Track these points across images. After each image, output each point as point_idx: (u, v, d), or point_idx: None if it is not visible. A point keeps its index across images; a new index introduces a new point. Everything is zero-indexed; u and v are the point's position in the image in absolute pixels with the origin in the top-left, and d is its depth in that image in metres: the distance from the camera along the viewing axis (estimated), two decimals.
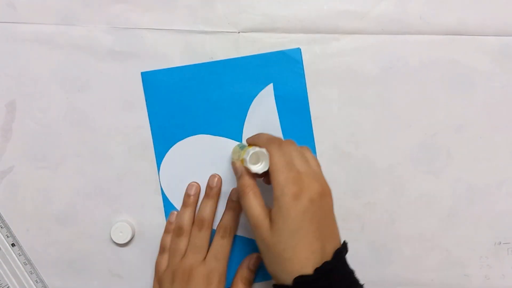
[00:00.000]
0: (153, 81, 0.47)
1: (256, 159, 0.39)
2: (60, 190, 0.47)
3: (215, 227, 0.46)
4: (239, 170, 0.40)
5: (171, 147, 0.47)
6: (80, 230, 0.48)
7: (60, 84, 0.47)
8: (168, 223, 0.47)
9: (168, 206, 0.47)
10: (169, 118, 0.47)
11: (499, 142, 0.48)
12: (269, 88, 0.47)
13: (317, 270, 0.35)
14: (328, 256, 0.36)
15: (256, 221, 0.37)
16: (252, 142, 0.41)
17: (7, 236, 0.48)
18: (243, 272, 0.45)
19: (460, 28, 0.47)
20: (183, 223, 0.45)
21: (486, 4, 0.46)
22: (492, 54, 0.47)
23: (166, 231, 0.46)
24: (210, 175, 0.47)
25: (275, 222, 0.36)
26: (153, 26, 0.46)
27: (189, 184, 0.47)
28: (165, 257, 0.45)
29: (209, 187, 0.46)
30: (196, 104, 0.47)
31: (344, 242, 0.39)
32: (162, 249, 0.46)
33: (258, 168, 0.38)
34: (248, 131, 0.47)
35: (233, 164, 0.41)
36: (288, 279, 0.35)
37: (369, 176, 0.48)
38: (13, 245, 0.48)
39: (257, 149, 0.38)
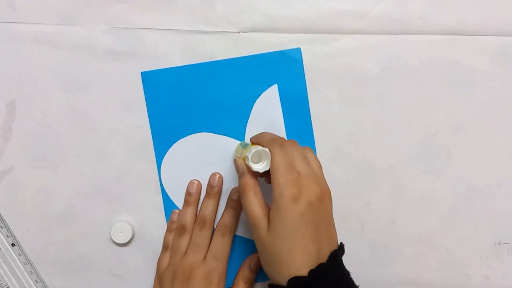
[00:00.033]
0: (153, 81, 0.47)
1: (258, 158, 0.39)
2: (60, 190, 0.47)
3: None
4: (241, 168, 0.40)
5: (171, 147, 0.47)
6: (80, 230, 0.48)
7: (60, 84, 0.47)
8: (171, 221, 0.47)
9: (169, 204, 0.47)
10: (169, 118, 0.47)
11: (499, 142, 0.48)
12: (274, 89, 0.47)
13: (311, 272, 0.35)
14: (323, 258, 0.36)
15: (254, 221, 0.37)
16: (255, 141, 0.41)
17: (7, 236, 0.48)
18: (245, 272, 0.45)
19: (460, 28, 0.47)
20: (185, 222, 0.45)
21: (486, 4, 0.46)
22: (492, 54, 0.47)
23: (169, 229, 0.47)
24: (211, 173, 0.47)
25: (272, 223, 0.36)
26: (153, 26, 0.46)
27: (189, 182, 0.47)
28: (167, 255, 0.45)
29: (210, 185, 0.46)
30: (196, 104, 0.47)
31: (341, 244, 0.39)
32: (164, 247, 0.46)
33: (260, 167, 0.38)
34: (251, 131, 0.47)
35: (235, 161, 0.41)
36: (283, 280, 0.35)
37: (369, 176, 0.48)
38: (13, 245, 0.48)
39: (259, 148, 0.38)
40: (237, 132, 0.47)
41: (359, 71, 0.47)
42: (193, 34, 0.47)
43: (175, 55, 0.47)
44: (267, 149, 0.38)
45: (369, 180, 0.48)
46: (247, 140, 0.47)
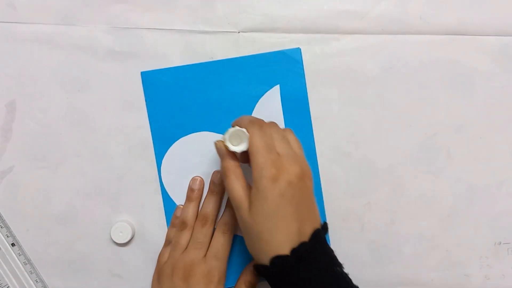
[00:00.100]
0: (153, 81, 0.47)
1: (238, 140, 0.39)
2: (60, 190, 0.47)
3: None
4: (221, 151, 0.40)
5: (171, 146, 0.47)
6: (80, 230, 0.48)
7: (60, 84, 0.47)
8: (174, 216, 0.47)
9: (169, 204, 0.47)
10: (169, 118, 0.47)
11: (499, 142, 0.48)
12: (276, 89, 0.47)
13: (293, 251, 0.35)
14: (306, 237, 0.36)
15: (237, 203, 0.38)
16: (235, 123, 0.41)
17: (7, 236, 0.48)
18: (248, 276, 0.45)
19: (460, 28, 0.47)
20: (186, 218, 0.45)
21: (486, 4, 0.46)
22: (492, 54, 0.47)
23: (172, 224, 0.47)
24: (213, 171, 0.47)
25: (253, 204, 0.36)
26: (153, 26, 0.46)
27: (192, 178, 0.47)
28: (168, 250, 0.45)
29: (213, 183, 0.46)
30: (196, 104, 0.47)
31: (324, 223, 0.39)
32: (166, 242, 0.46)
33: (238, 147, 0.38)
34: None
35: (215, 144, 0.41)
36: (266, 260, 0.36)
37: (369, 176, 0.48)
38: (13, 245, 0.48)
39: (237, 128, 0.38)
40: None
41: (359, 71, 0.47)
42: (193, 34, 0.47)
43: (175, 55, 0.47)
44: (245, 130, 0.38)
45: (369, 180, 0.48)
46: None
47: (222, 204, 0.47)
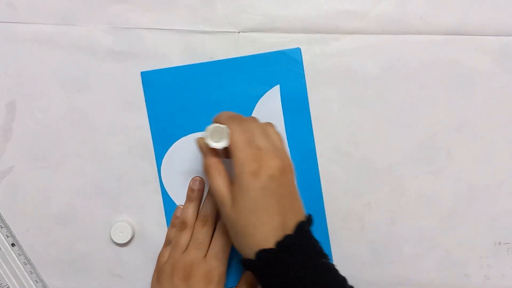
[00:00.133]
0: (153, 81, 0.47)
1: (219, 137, 0.39)
2: (60, 190, 0.47)
3: None
4: (202, 149, 0.40)
5: (171, 146, 0.47)
6: (80, 230, 0.48)
7: (60, 84, 0.47)
8: (174, 216, 0.47)
9: (169, 204, 0.47)
10: (169, 118, 0.47)
11: (499, 142, 0.48)
12: (276, 89, 0.47)
13: (278, 243, 0.35)
14: (290, 229, 0.37)
15: (220, 199, 0.38)
16: (215, 119, 0.41)
17: (7, 236, 0.48)
18: (249, 276, 0.45)
19: (460, 28, 0.47)
20: (186, 218, 0.45)
21: (486, 4, 0.46)
22: (492, 54, 0.47)
23: (172, 224, 0.47)
24: None
25: (236, 199, 0.37)
26: (153, 26, 0.46)
27: (192, 178, 0.47)
28: (168, 250, 0.45)
29: None
30: (196, 104, 0.47)
31: (308, 215, 0.39)
32: (166, 242, 0.46)
33: (218, 144, 0.39)
34: None
35: (196, 142, 0.41)
36: (251, 254, 0.36)
37: (369, 176, 0.48)
38: (13, 245, 0.48)
39: (216, 124, 0.39)
40: None
41: (359, 71, 0.47)
42: (193, 34, 0.47)
43: (175, 55, 0.47)
44: (225, 126, 0.38)
45: (369, 180, 0.48)
46: None
47: None
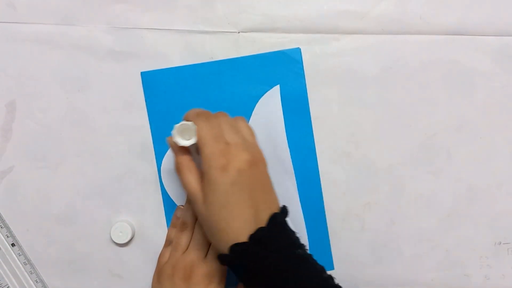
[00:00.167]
0: (153, 81, 0.47)
1: (189, 134, 0.39)
2: (60, 190, 0.47)
3: None
4: (173, 148, 0.41)
5: None
6: (80, 230, 0.48)
7: (60, 84, 0.47)
8: (175, 217, 0.47)
9: (169, 204, 0.47)
10: (169, 118, 0.47)
11: (499, 142, 0.48)
12: (276, 89, 0.47)
13: (251, 236, 0.35)
14: (263, 222, 0.37)
15: (192, 196, 0.38)
16: (185, 117, 0.41)
17: (7, 236, 0.48)
18: None
19: (460, 28, 0.47)
20: (187, 219, 0.45)
21: (486, 4, 0.46)
22: (492, 54, 0.47)
23: (172, 225, 0.47)
24: None
25: (206, 195, 0.37)
26: (153, 26, 0.46)
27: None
28: (168, 250, 0.45)
29: None
30: (196, 104, 0.47)
31: (283, 206, 0.39)
32: (167, 243, 0.46)
33: (187, 142, 0.39)
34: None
35: (167, 141, 0.41)
36: (226, 248, 0.36)
37: (369, 176, 0.48)
38: (13, 245, 0.48)
39: (183, 122, 0.39)
40: None
41: (359, 71, 0.47)
42: (193, 34, 0.47)
43: (175, 55, 0.47)
44: (191, 123, 0.38)
45: (369, 180, 0.48)
46: None
47: None
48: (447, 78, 0.47)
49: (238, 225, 0.36)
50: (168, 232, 0.47)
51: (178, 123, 0.39)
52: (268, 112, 0.47)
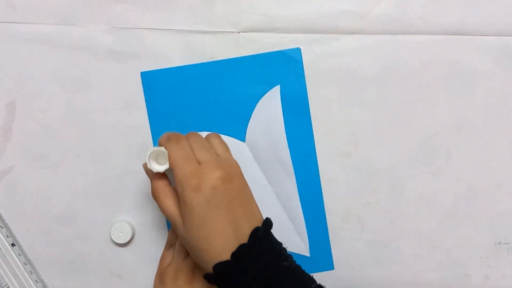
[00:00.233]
0: (153, 81, 0.47)
1: (162, 159, 0.39)
2: (60, 190, 0.47)
3: None
4: (148, 174, 0.41)
5: None
6: (80, 230, 0.48)
7: (60, 84, 0.47)
8: None
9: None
10: (169, 118, 0.47)
11: (499, 142, 0.48)
12: (276, 89, 0.47)
13: (233, 254, 0.35)
14: (244, 238, 0.36)
15: (172, 221, 0.38)
16: (158, 142, 0.41)
17: (7, 236, 0.48)
18: None
19: (460, 28, 0.47)
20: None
21: (486, 4, 0.46)
22: (492, 54, 0.47)
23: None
24: None
25: (184, 217, 0.37)
26: (153, 26, 0.46)
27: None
28: (170, 252, 0.45)
29: None
30: (196, 104, 0.47)
31: (266, 218, 0.39)
32: (168, 244, 0.46)
33: (160, 167, 0.39)
34: (252, 131, 0.47)
35: (143, 167, 0.41)
36: (210, 268, 0.36)
37: (369, 176, 0.48)
38: (13, 245, 0.48)
39: (154, 148, 0.39)
40: (238, 132, 0.47)
41: (359, 71, 0.47)
42: (193, 34, 0.47)
43: (175, 55, 0.47)
44: (163, 148, 0.38)
45: (369, 180, 0.48)
46: (246, 140, 0.47)
47: None
48: (447, 78, 0.47)
49: (219, 243, 0.36)
50: (168, 234, 0.47)
51: (171, 131, 0.39)
52: (268, 112, 0.47)
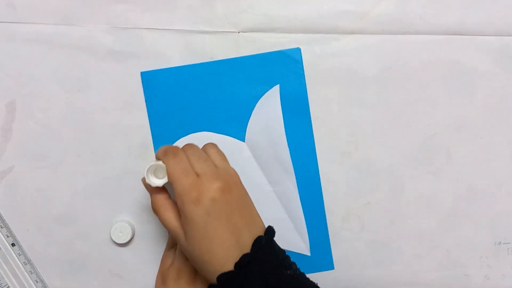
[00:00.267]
0: (153, 81, 0.47)
1: (161, 173, 0.39)
2: (60, 190, 0.47)
3: None
4: (147, 188, 0.41)
5: None
6: (80, 230, 0.48)
7: (60, 84, 0.47)
8: None
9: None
10: (169, 118, 0.47)
11: (499, 142, 0.48)
12: (276, 89, 0.47)
13: (236, 264, 0.35)
14: (247, 248, 0.36)
15: (173, 234, 0.38)
16: (156, 156, 0.41)
17: (7, 236, 0.48)
18: None
19: (460, 28, 0.47)
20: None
21: (486, 4, 0.46)
22: (492, 54, 0.47)
23: None
24: None
25: (186, 230, 0.37)
26: (153, 26, 0.46)
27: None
28: (172, 252, 0.45)
29: None
30: (196, 104, 0.47)
31: (268, 227, 0.39)
32: (169, 245, 0.46)
33: (159, 181, 0.39)
34: (252, 131, 0.47)
35: (142, 181, 0.41)
36: (214, 279, 0.36)
37: (369, 176, 0.48)
38: (13, 245, 0.48)
39: (152, 163, 0.39)
40: (237, 132, 0.47)
41: (359, 71, 0.47)
42: (193, 34, 0.47)
43: (175, 55, 0.47)
44: (161, 162, 0.38)
45: (369, 180, 0.48)
46: (246, 140, 0.47)
47: None
48: (447, 78, 0.47)
49: (222, 254, 0.36)
50: (169, 235, 0.47)
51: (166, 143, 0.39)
52: (268, 112, 0.47)
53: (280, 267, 0.37)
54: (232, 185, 0.38)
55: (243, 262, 0.35)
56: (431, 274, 0.48)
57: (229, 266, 0.36)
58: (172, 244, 0.46)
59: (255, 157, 0.47)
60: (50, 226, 0.48)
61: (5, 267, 0.48)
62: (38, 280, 0.48)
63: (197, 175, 0.37)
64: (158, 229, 0.48)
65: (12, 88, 0.47)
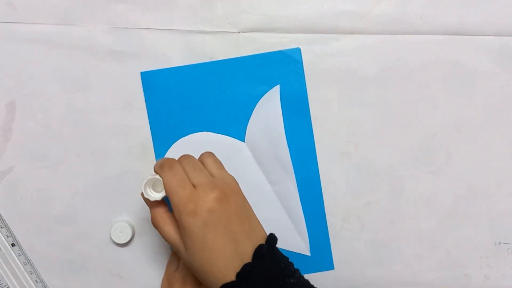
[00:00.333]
0: (153, 81, 0.47)
1: (159, 186, 0.39)
2: (60, 190, 0.47)
3: None
4: (146, 202, 0.41)
5: (171, 146, 0.47)
6: (80, 230, 0.48)
7: (60, 84, 0.47)
8: None
9: (169, 204, 0.47)
10: (169, 118, 0.47)
11: (499, 142, 0.48)
12: (276, 89, 0.47)
13: (238, 274, 0.35)
14: (248, 257, 0.36)
15: (174, 246, 0.38)
16: (154, 169, 0.41)
17: (7, 236, 0.48)
18: None
19: (460, 28, 0.47)
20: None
21: (486, 4, 0.46)
22: (492, 54, 0.47)
23: None
24: None
25: (185, 242, 0.37)
26: (153, 26, 0.46)
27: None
28: (177, 256, 0.45)
29: None
30: (195, 104, 0.47)
31: (270, 234, 0.39)
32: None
33: (157, 195, 0.39)
34: (252, 131, 0.47)
35: (141, 195, 0.41)
36: None
37: (369, 176, 0.48)
38: (13, 245, 0.48)
39: (149, 177, 0.39)
40: (237, 132, 0.47)
41: (359, 71, 0.47)
42: (193, 34, 0.47)
43: (175, 55, 0.47)
44: (158, 176, 0.38)
45: (369, 180, 0.48)
46: (246, 141, 0.47)
47: None
48: (447, 78, 0.47)
49: (222, 264, 0.36)
50: None
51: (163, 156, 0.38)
52: (268, 112, 0.47)
53: (282, 275, 0.36)
54: (229, 194, 0.38)
55: (245, 272, 0.35)
56: (431, 274, 0.48)
57: (231, 276, 0.35)
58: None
59: (255, 157, 0.47)
60: (50, 226, 0.48)
61: (5, 267, 0.48)
62: (38, 280, 0.48)
63: (194, 186, 0.37)
64: None
65: (12, 88, 0.47)
